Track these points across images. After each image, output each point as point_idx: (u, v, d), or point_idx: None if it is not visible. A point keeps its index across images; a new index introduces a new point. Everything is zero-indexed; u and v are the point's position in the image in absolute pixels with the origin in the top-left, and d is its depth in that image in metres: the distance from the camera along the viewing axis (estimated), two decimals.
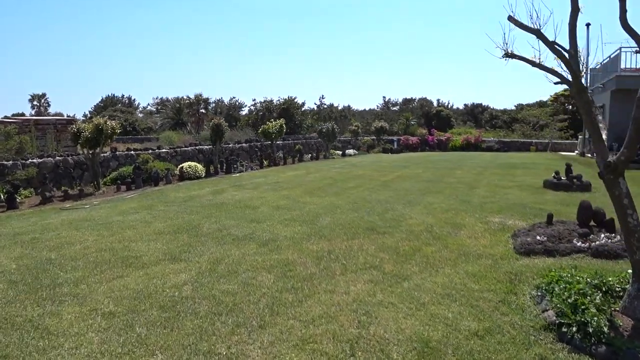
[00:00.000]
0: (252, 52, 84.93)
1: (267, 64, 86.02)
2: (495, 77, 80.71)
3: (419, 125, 35.07)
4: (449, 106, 55.16)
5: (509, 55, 3.60)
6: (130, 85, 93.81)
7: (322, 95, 53.15)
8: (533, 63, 3.57)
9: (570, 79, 3.48)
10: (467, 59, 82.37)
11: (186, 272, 4.27)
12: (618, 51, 17.70)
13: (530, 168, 14.65)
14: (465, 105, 59.58)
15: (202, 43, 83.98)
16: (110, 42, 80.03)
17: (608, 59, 19.51)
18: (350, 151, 23.10)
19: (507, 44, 3.49)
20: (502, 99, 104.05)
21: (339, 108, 38.55)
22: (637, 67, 17.73)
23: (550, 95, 50.35)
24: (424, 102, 51.53)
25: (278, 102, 31.79)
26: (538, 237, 4.93)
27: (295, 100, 32.16)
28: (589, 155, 21.11)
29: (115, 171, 11.97)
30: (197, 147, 15.96)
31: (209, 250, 4.99)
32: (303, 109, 32.36)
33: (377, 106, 55.33)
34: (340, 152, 22.18)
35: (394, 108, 53.21)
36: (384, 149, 25.19)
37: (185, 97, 35.93)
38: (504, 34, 3.52)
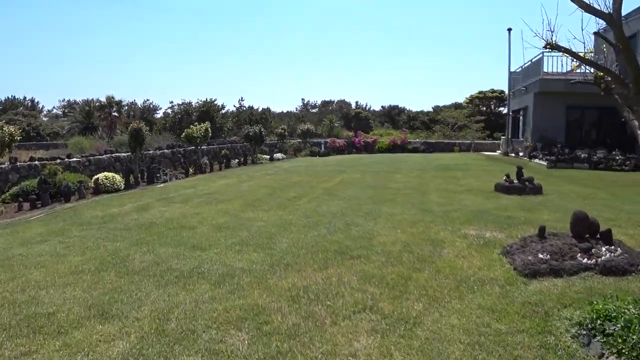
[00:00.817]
0: (167, 53, 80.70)
1: (184, 65, 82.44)
2: (411, 79, 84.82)
3: (341, 127, 35.54)
4: (367, 108, 56.90)
5: (553, 46, 3.03)
6: (33, 86, 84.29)
7: (242, 98, 51.67)
8: (578, 57, 3.04)
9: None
10: (383, 61, 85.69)
11: (123, 339, 3.07)
12: (541, 55, 18.95)
13: (467, 170, 14.98)
14: (382, 107, 61.80)
15: (112, 42, 77.55)
16: (8, 39, 70.46)
17: (530, 62, 20.91)
18: (278, 155, 22.31)
19: (552, 31, 2.91)
20: (418, 101, 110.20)
21: (259, 110, 37.69)
22: (558, 70, 19.13)
23: (466, 98, 54.22)
24: (343, 104, 52.78)
25: (197, 105, 30.38)
26: (540, 256, 4.49)
27: (215, 103, 30.80)
28: (513, 154, 22.52)
29: (17, 185, 9.87)
30: (113, 155, 14.08)
31: (149, 297, 3.80)
32: (223, 111, 31.03)
33: (296, 108, 55.58)
34: (267, 157, 21.29)
35: (313, 110, 53.79)
36: (312, 152, 24.99)
37: (95, 100, 33.13)
38: (549, 21, 2.93)
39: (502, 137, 26.94)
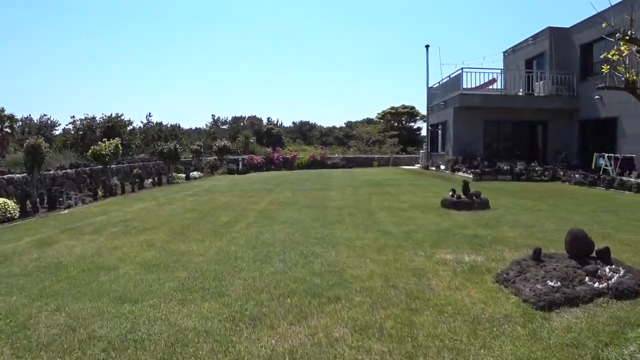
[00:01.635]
0: (66, 65, 72.86)
1: (86, 79, 75.17)
2: (322, 95, 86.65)
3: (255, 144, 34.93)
4: (279, 124, 56.99)
5: (631, 40, 2.58)
6: None
7: (150, 113, 48.41)
8: None
9: None
10: (294, 77, 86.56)
11: None
12: (460, 71, 19.86)
13: (398, 185, 14.90)
14: (293, 122, 62.51)
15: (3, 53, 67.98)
16: None
17: (448, 78, 21.88)
18: (195, 174, 20.82)
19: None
20: (330, 117, 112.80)
21: (168, 126, 35.65)
22: (475, 85, 20.20)
23: (378, 113, 56.41)
24: (254, 120, 52.41)
25: (102, 120, 27.74)
26: (550, 283, 4.02)
27: (122, 118, 28.33)
28: (433, 168, 23.30)
29: None
30: (5, 177, 11.78)
31: None
32: (130, 127, 28.75)
33: (207, 124, 53.97)
34: (184, 176, 19.70)
35: (224, 127, 52.62)
36: (229, 170, 23.91)
37: None
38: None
39: (421, 151, 27.93)
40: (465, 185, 9.48)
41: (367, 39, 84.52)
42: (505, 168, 17.42)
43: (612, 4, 16.33)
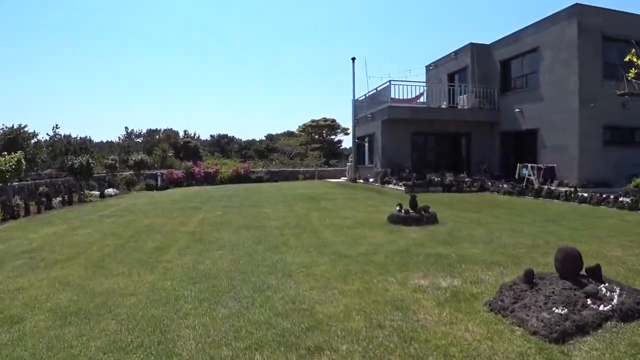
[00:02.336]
0: None
1: None
2: (241, 108, 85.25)
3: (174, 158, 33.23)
4: (196, 137, 55.09)
5: None
6: None
7: (57, 125, 43.81)
8: None
9: None
10: (210, 90, 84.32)
11: None
12: (387, 83, 20.11)
13: (333, 199, 14.47)
14: (211, 136, 60.98)
15: None
16: None
17: (375, 90, 22.10)
18: (110, 191, 18.83)
19: None
20: (250, 130, 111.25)
21: (78, 139, 32.55)
22: (402, 98, 20.57)
23: (299, 126, 56.41)
24: (170, 133, 50.27)
25: (1, 132, 24.24)
26: (556, 310, 3.64)
27: (25, 130, 25.05)
28: (361, 181, 23.32)
29: None
30: None
31: None
32: (35, 140, 25.58)
33: (120, 137, 50.56)
34: (98, 193, 17.67)
35: (138, 140, 49.60)
36: (148, 186, 22.22)
37: None
38: None
39: (348, 163, 27.98)
40: (413, 200, 9.21)
41: (288, 51, 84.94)
42: (436, 180, 17.76)
43: (526, 26, 17.41)
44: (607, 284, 4.16)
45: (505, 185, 16.18)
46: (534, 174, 16.74)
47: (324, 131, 54.26)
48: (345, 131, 55.28)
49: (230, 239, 7.80)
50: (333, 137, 55.29)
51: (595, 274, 4.30)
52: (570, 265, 4.26)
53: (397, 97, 20.62)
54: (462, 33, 76.67)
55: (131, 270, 5.68)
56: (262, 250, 6.82)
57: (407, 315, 3.96)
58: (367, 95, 23.87)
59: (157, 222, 9.95)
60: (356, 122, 25.35)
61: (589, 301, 3.84)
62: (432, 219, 9.01)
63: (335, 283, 4.97)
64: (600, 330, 3.54)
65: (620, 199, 11.43)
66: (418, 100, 22.73)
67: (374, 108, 22.27)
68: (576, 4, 16.06)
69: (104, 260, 6.28)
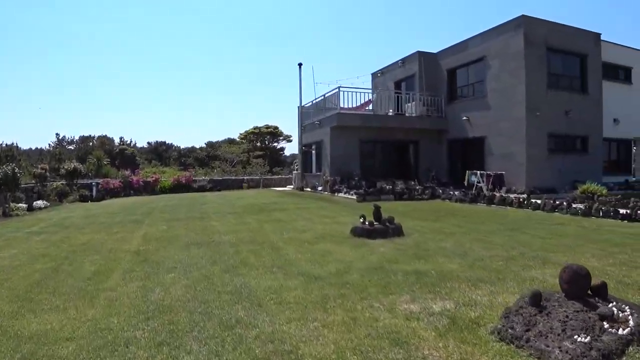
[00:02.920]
0: None
1: None
2: (179, 114, 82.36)
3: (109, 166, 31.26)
4: (133, 144, 52.47)
5: None
6: None
7: None
8: None
9: None
10: (148, 95, 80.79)
11: None
12: (337, 89, 19.77)
13: (284, 210, 13.82)
14: (149, 143, 58.63)
15: None
16: None
17: (322, 97, 21.70)
18: (40, 203, 16.99)
19: None
20: (189, 137, 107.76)
21: (3, 146, 29.85)
22: (353, 105, 20.33)
23: (240, 133, 55.14)
24: (105, 140, 47.62)
25: None
26: (579, 339, 3.22)
27: None
28: (309, 189, 22.82)
29: None
30: None
31: None
32: None
33: (50, 144, 47.48)
34: (25, 206, 15.80)
35: (70, 147, 46.62)
36: (82, 197, 20.56)
37: None
38: None
39: (294, 171, 27.41)
40: (377, 211, 8.76)
41: (230, 57, 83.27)
42: (387, 188, 17.59)
43: (473, 36, 17.77)
44: (615, 303, 3.84)
45: (456, 193, 16.27)
46: (483, 181, 17.00)
47: (266, 138, 53.38)
48: (287, 138, 54.79)
49: (180, 258, 6.91)
50: (275, 144, 54.57)
51: (601, 292, 3.97)
52: (578, 285, 3.90)
53: (345, 103, 20.37)
54: (410, 41, 78.97)
55: (67, 303, 4.70)
56: (220, 272, 6.03)
57: (410, 352, 3.39)
58: (314, 101, 23.45)
59: (94, 240, 8.79)
60: (303, 129, 24.85)
61: (605, 325, 3.48)
62: (398, 231, 8.59)
63: (315, 313, 4.32)
64: (624, 358, 3.17)
65: (574, 205, 11.68)
66: (366, 108, 22.64)
67: (322, 115, 21.87)
68: (523, 15, 16.59)
69: (33, 291, 5.21)
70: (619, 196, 12.66)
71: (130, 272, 6.03)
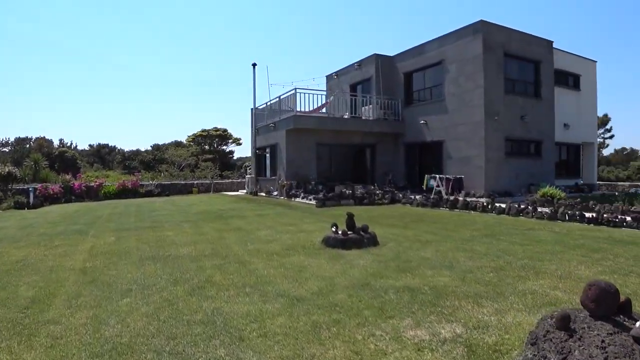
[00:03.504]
0: None
1: None
2: (123, 116, 78.41)
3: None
4: (73, 146, 49.34)
5: None
6: None
7: None
8: None
9: None
10: (89, 97, 76.39)
11: None
12: (293, 91, 19.10)
13: (243, 217, 13.01)
14: (90, 145, 55.59)
15: None
16: None
17: (278, 98, 20.97)
18: None
19: None
20: (133, 139, 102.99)
21: None
22: (308, 108, 19.74)
23: (188, 136, 53.15)
24: (43, 142, 44.43)
25: None
26: None
27: None
28: (263, 194, 22.01)
29: None
30: None
31: None
32: None
33: None
34: None
35: (5, 149, 43.20)
36: (18, 204, 18.72)
37: None
38: None
39: (247, 176, 26.46)
40: (350, 219, 8.18)
41: (178, 58, 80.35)
42: (347, 192, 17.12)
43: (430, 40, 17.67)
44: None
45: (417, 197, 16.04)
46: (442, 185, 16.91)
47: (214, 141, 51.77)
48: (237, 141, 53.49)
49: (135, 277, 5.99)
50: (225, 147, 53.03)
51: (626, 309, 3.56)
52: (607, 303, 3.46)
53: (301, 106, 19.76)
54: (366, 44, 79.44)
55: None
56: (185, 294, 5.20)
57: None
58: (269, 103, 22.65)
59: (32, 256, 7.59)
60: (256, 131, 24.01)
61: None
62: (373, 240, 8.06)
63: (309, 347, 3.65)
64: None
65: (539, 209, 11.67)
66: (321, 111, 22.13)
67: (277, 117, 21.14)
68: (481, 20, 16.70)
69: None
70: (578, 199, 12.85)
71: (77, 298, 5.07)
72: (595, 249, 7.57)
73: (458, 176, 16.87)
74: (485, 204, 13.14)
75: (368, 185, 20.11)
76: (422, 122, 19.54)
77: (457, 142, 17.86)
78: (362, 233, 8.03)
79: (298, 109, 19.36)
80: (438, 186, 17.01)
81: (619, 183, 28.67)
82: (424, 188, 17.95)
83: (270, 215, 13.27)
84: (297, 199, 18.25)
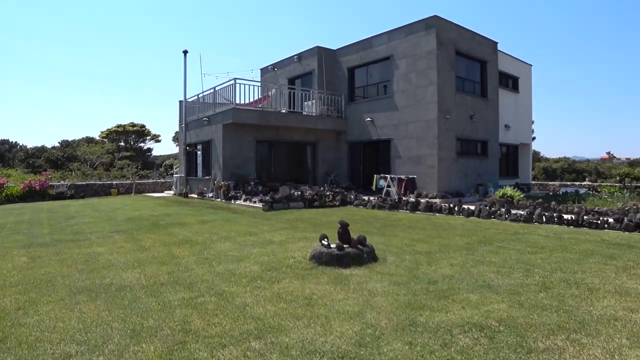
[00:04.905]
0: None
1: None
2: (26, 110, 69.63)
3: None
4: None
5: None
6: None
7: None
8: None
9: None
10: None
11: None
12: (233, 81, 17.15)
13: (186, 225, 11.03)
14: None
15: None
16: None
17: (212, 90, 18.87)
18: None
19: None
20: (37, 135, 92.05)
21: None
22: (248, 101, 17.91)
23: (102, 132, 48.07)
24: None
25: None
26: None
27: None
28: (195, 195, 19.80)
29: None
30: None
31: None
32: None
33: None
34: None
35: None
36: None
37: None
38: None
39: (175, 175, 23.85)
40: (345, 230, 6.73)
41: (90, 49, 72.81)
42: (296, 194, 15.61)
43: (378, 34, 16.65)
44: None
45: (372, 199, 14.97)
46: (393, 186, 16.03)
47: (131, 138, 47.36)
48: (156, 138, 49.49)
49: (68, 327, 3.99)
50: (142, 144, 48.77)
51: None
52: None
53: (240, 99, 17.86)
54: (307, 37, 77.46)
55: None
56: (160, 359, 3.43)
57: None
58: (202, 95, 20.37)
59: None
60: (186, 125, 21.60)
61: None
62: (373, 255, 6.69)
63: None
64: None
65: (513, 211, 11.06)
66: (258, 105, 20.35)
67: (212, 110, 19.01)
68: (435, 16, 16.00)
69: None
70: (540, 200, 12.53)
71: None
72: (607, 255, 6.88)
73: (411, 176, 16.07)
74: (452, 205, 12.35)
75: (312, 185, 18.75)
76: (368, 119, 18.56)
77: (407, 141, 17.08)
78: (359, 246, 6.62)
79: (237, 102, 17.44)
80: (389, 186, 16.11)
81: (550, 183, 30.08)
82: (374, 189, 16.98)
83: (218, 222, 11.38)
84: (238, 202, 16.38)
